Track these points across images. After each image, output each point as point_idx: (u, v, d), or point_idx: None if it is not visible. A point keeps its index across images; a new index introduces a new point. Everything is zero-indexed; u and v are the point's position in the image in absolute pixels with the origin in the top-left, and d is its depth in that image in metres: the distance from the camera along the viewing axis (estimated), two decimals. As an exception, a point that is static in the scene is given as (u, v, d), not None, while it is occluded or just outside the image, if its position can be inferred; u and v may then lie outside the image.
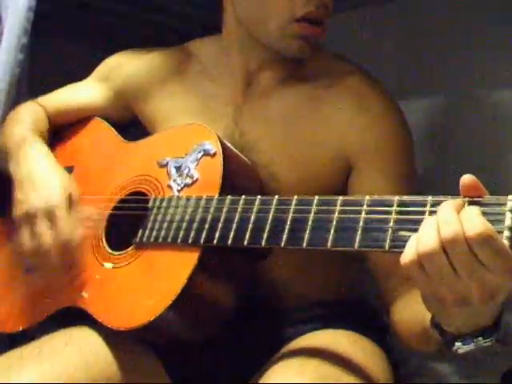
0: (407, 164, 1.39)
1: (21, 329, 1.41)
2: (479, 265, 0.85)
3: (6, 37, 1.71)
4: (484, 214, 0.86)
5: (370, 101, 1.39)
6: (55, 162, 1.49)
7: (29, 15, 1.71)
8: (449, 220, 0.86)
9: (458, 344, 0.96)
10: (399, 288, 1.28)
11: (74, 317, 1.33)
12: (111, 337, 1.28)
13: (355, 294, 1.53)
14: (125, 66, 1.63)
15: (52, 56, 2.29)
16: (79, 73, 1.70)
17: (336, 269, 1.49)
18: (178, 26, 2.36)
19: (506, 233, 0.85)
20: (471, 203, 0.89)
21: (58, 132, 1.68)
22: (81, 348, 1.25)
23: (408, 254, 0.89)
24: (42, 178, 1.42)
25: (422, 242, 0.87)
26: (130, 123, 1.65)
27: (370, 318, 1.42)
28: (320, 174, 1.39)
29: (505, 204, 0.87)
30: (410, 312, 1.19)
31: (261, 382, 1.21)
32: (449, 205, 0.89)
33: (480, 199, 0.89)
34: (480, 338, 0.95)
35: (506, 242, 0.85)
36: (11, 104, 1.72)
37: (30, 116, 1.62)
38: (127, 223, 1.36)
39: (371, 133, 1.37)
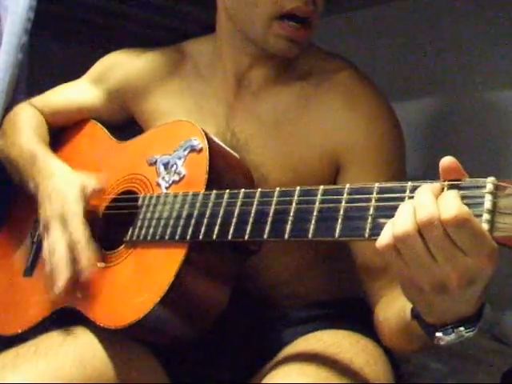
0: (397, 162, 1.37)
1: (19, 331, 1.40)
2: (456, 249, 0.84)
3: (7, 36, 1.71)
4: (463, 197, 0.86)
5: (359, 98, 1.37)
6: (69, 169, 1.45)
7: (29, 15, 1.71)
8: (425, 203, 0.85)
9: (438, 334, 0.94)
10: (384, 289, 1.27)
11: (72, 317, 1.33)
12: (107, 336, 1.28)
13: (355, 293, 1.52)
14: (119, 67, 1.63)
15: (51, 56, 2.31)
16: (79, 73, 1.70)
17: (336, 268, 1.49)
18: (178, 26, 2.37)
19: (486, 216, 0.84)
20: (450, 187, 0.88)
21: (54, 135, 1.68)
22: (77, 347, 1.25)
23: (384, 238, 0.88)
24: (57, 190, 1.38)
25: (397, 225, 0.86)
26: (127, 124, 1.65)
27: (370, 317, 1.40)
28: (311, 173, 1.38)
29: (484, 187, 0.85)
30: (393, 309, 1.17)
31: (263, 382, 1.20)
32: (426, 188, 0.87)
33: (459, 182, 0.88)
34: (461, 328, 0.93)
35: (485, 225, 0.83)
36: (10, 104, 1.72)
37: (30, 123, 1.61)
38: (119, 222, 1.35)
39: (360, 130, 1.35)
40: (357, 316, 1.43)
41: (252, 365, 1.37)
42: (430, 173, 0.92)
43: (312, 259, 1.45)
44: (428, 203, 0.85)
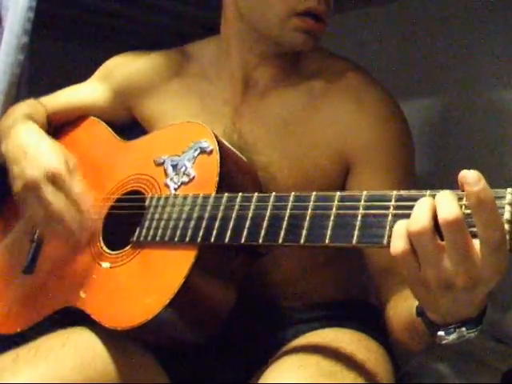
0: (407, 163, 1.38)
1: (19, 330, 1.40)
2: (472, 251, 0.85)
3: (6, 37, 1.71)
4: None
5: (368, 100, 1.38)
6: (46, 135, 1.48)
7: (29, 15, 1.71)
8: (451, 202, 0.85)
9: (440, 333, 0.96)
10: (395, 287, 1.27)
11: (73, 317, 1.33)
12: (109, 337, 1.28)
13: (358, 294, 1.53)
14: (124, 67, 1.64)
15: (52, 56, 2.30)
16: (79, 73, 1.70)
17: (339, 269, 1.49)
18: (178, 26, 2.37)
19: (506, 226, 0.84)
20: None
21: (55, 132, 1.68)
22: (77, 349, 1.24)
23: (397, 235, 0.89)
24: (35, 149, 1.40)
25: (415, 219, 0.87)
26: (131, 125, 1.65)
27: (372, 319, 1.41)
28: (319, 174, 1.38)
29: (504, 197, 0.85)
30: (402, 306, 1.18)
31: (262, 378, 1.20)
32: (450, 192, 0.88)
33: None
34: (463, 329, 0.94)
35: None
36: (11, 104, 1.71)
37: (26, 108, 1.61)
38: (124, 222, 1.35)
39: (370, 132, 1.36)
40: (360, 317, 1.44)
41: (254, 364, 1.36)
42: (434, 172, 0.92)
43: (318, 260, 1.45)
44: (455, 203, 0.85)
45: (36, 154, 1.39)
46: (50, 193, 1.33)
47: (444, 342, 0.96)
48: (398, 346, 1.29)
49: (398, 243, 0.89)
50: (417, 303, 1.02)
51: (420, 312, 1.01)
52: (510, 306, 1.78)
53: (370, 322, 1.40)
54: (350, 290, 1.51)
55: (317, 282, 1.48)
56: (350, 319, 1.42)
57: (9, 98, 1.71)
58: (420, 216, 0.87)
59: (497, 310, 1.77)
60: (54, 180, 1.34)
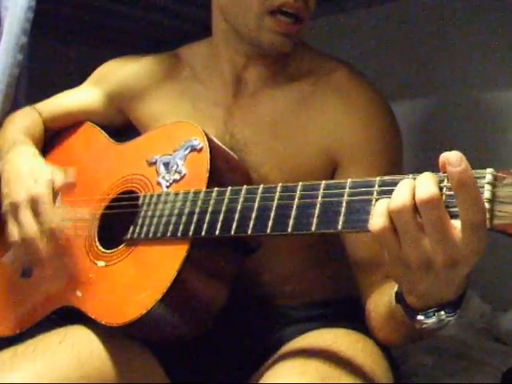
0: (394, 161, 1.38)
1: (18, 332, 1.41)
2: (449, 230, 0.87)
3: (6, 37, 1.71)
4: None
5: (356, 97, 1.38)
6: (43, 160, 1.49)
7: (28, 15, 1.71)
8: (429, 182, 0.87)
9: (420, 317, 0.97)
10: (377, 284, 1.27)
11: (71, 317, 1.33)
12: (107, 335, 1.28)
13: (355, 292, 1.52)
14: (117, 71, 1.65)
15: (52, 56, 2.31)
16: (78, 73, 1.71)
17: (336, 267, 1.49)
18: (178, 26, 2.37)
19: (486, 205, 0.86)
20: None
21: (51, 137, 1.70)
22: (75, 346, 1.24)
23: (378, 213, 0.91)
24: (26, 172, 1.41)
25: (395, 197, 0.89)
26: (126, 128, 1.65)
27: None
28: (310, 173, 1.38)
29: (483, 177, 0.88)
30: (382, 300, 1.19)
31: (262, 381, 1.20)
32: (430, 174, 0.90)
33: None
34: (442, 312, 0.96)
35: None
36: (10, 105, 1.72)
37: (24, 120, 1.64)
38: (119, 222, 1.35)
39: (357, 129, 1.36)
40: (356, 315, 1.41)
41: (252, 364, 1.37)
42: (424, 170, 0.93)
43: (312, 258, 1.45)
44: (432, 183, 0.87)
45: (25, 177, 1.40)
46: (26, 216, 1.34)
47: (424, 326, 0.98)
48: (381, 339, 1.28)
49: (378, 220, 0.90)
50: (396, 289, 1.04)
51: (399, 298, 1.02)
52: (510, 306, 1.77)
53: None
54: (346, 288, 1.50)
55: (312, 280, 1.48)
56: (347, 318, 1.41)
57: (7, 98, 1.72)
58: (400, 194, 0.89)
59: (497, 310, 1.77)
60: (34, 204, 1.34)
